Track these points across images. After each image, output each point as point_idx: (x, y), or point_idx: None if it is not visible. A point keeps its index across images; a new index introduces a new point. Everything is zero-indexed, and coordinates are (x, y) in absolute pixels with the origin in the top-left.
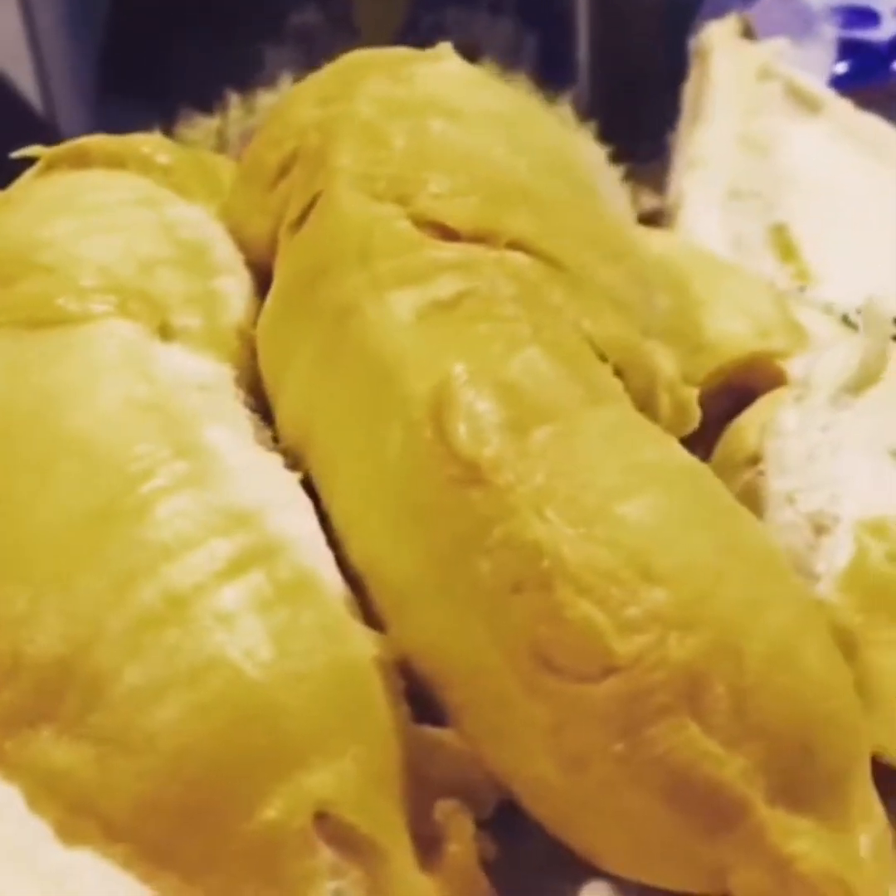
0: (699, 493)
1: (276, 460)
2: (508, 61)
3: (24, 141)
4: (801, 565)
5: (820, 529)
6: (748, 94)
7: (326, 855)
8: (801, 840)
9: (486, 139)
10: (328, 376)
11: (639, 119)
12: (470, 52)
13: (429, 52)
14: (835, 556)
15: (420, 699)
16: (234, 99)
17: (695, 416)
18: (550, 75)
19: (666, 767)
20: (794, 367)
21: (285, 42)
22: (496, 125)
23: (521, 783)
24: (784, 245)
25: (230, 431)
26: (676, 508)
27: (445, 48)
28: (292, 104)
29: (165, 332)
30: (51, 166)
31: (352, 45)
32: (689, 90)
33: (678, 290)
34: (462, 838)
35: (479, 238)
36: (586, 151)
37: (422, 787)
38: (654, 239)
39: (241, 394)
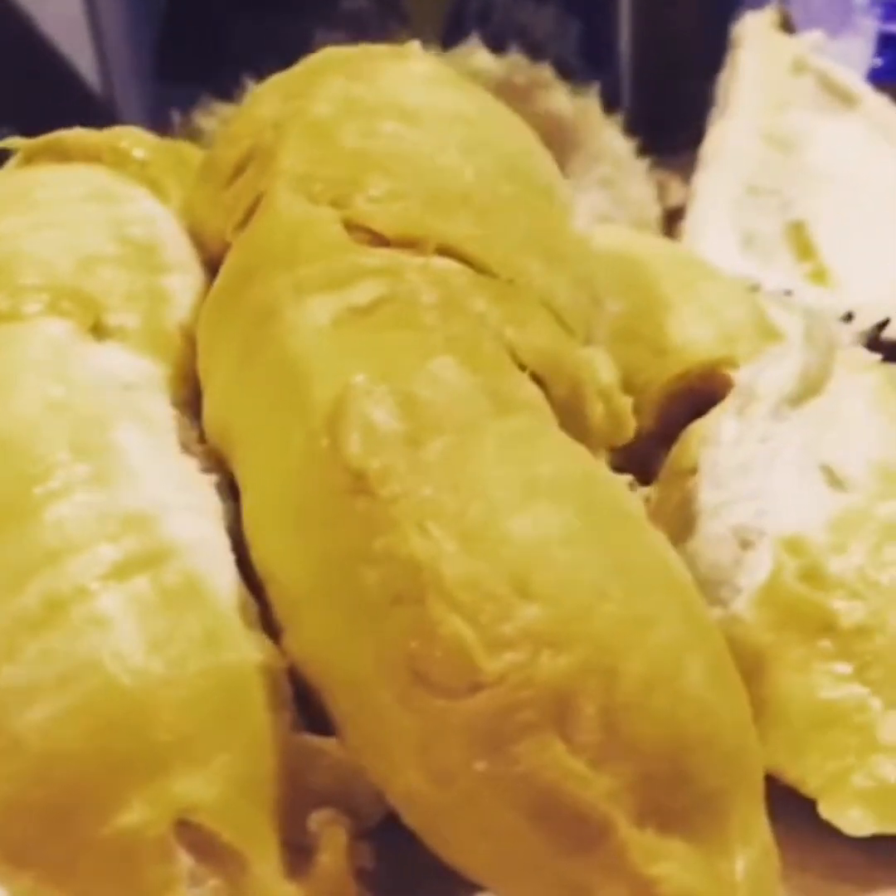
0: (592, 508)
1: (190, 463)
2: (552, 47)
3: (83, 123)
4: (725, 579)
5: (745, 544)
6: (778, 87)
7: (185, 862)
8: (665, 862)
9: (437, 142)
10: (246, 378)
11: (678, 108)
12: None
13: (397, 49)
14: (755, 571)
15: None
16: (250, 85)
17: (629, 426)
18: (592, 62)
19: (529, 785)
20: (740, 377)
21: (337, 27)
22: (452, 127)
23: (394, 794)
24: (801, 243)
25: (143, 432)
26: (564, 524)
27: (413, 47)
28: (254, 101)
29: (99, 331)
30: (30, 159)
31: (401, 30)
32: (721, 81)
33: (644, 293)
34: (334, 848)
35: (407, 243)
36: (545, 157)
37: (298, 796)
38: (627, 241)
39: (181, 392)
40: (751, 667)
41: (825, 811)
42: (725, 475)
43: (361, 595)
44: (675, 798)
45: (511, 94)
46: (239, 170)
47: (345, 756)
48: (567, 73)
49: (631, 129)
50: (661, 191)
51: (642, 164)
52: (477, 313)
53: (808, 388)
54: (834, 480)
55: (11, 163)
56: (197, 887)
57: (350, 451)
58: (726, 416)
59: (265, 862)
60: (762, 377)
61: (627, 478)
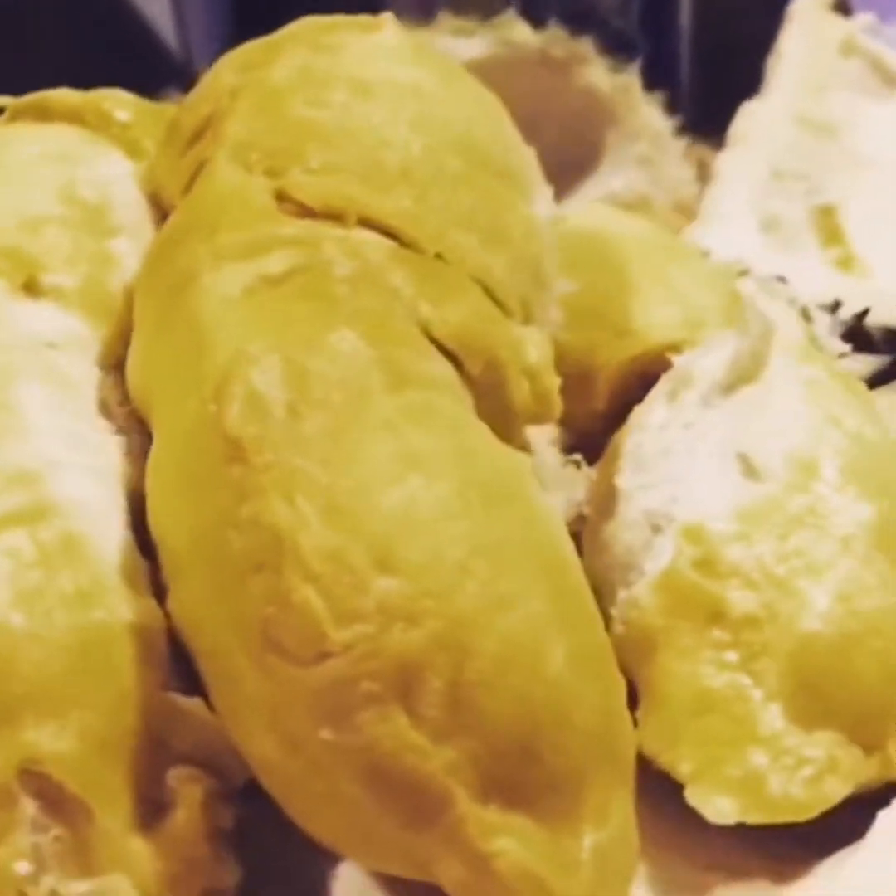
0: (472, 486)
1: (102, 424)
2: (615, 22)
3: (161, 81)
4: (635, 563)
5: (656, 528)
6: (820, 69)
7: (28, 809)
8: (505, 838)
9: (387, 115)
10: (161, 342)
11: (736, 84)
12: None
13: (367, 20)
14: (659, 557)
15: None
16: None
17: (555, 406)
18: (653, 36)
19: (369, 756)
20: (676, 362)
21: None
22: (406, 101)
23: (251, 759)
24: (829, 229)
25: (51, 391)
26: (437, 500)
27: (386, 17)
28: (219, 69)
29: (32, 290)
30: (15, 117)
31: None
32: (771, 60)
33: (612, 274)
34: (189, 805)
35: (330, 215)
36: (510, 137)
37: (160, 754)
38: (604, 221)
39: (121, 353)
40: (643, 651)
41: (691, 797)
42: (646, 459)
43: (227, 560)
44: (523, 775)
45: (548, 67)
46: (196, 136)
47: (210, 718)
48: (612, 48)
49: (688, 104)
50: (702, 170)
51: (681, 143)
52: (391, 287)
53: (741, 376)
54: (749, 470)
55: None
56: (38, 835)
57: (230, 418)
58: (656, 401)
59: (113, 815)
60: (698, 363)
61: (575, 458)
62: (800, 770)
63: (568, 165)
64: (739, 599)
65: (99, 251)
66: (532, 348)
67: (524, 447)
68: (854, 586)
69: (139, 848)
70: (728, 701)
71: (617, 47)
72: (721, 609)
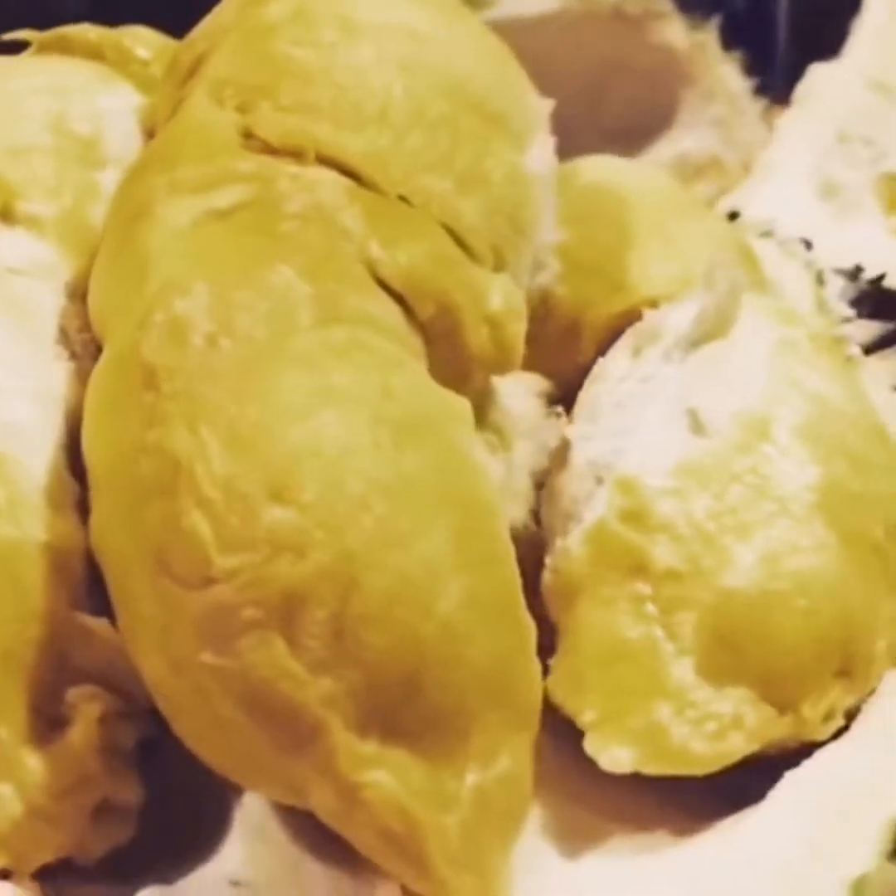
0: (383, 423)
1: (57, 351)
2: None
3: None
4: (576, 513)
5: (599, 480)
6: None
7: None
8: (377, 770)
9: (374, 56)
10: (115, 270)
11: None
12: None
13: None
14: (596, 508)
15: None
16: None
17: (514, 355)
18: None
19: (248, 681)
20: (647, 317)
21: None
22: (397, 43)
23: (146, 680)
24: (893, 197)
25: (6, 318)
26: (344, 435)
27: None
28: (222, 6)
29: (8, 217)
30: (40, 51)
31: None
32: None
33: (614, 228)
34: (86, 722)
35: (290, 152)
36: (510, 85)
37: (61, 670)
38: (614, 173)
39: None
40: (566, 599)
41: (588, 745)
42: (600, 411)
43: (133, 484)
44: (404, 711)
45: (622, 22)
46: (191, 73)
47: (115, 638)
48: (698, 3)
49: (781, 65)
50: None
51: (758, 105)
52: (342, 226)
53: (707, 333)
54: (697, 426)
55: (25, 54)
56: None
57: (148, 345)
58: (619, 353)
59: (7, 726)
60: (665, 319)
61: (557, 409)
62: (704, 724)
63: (639, 123)
64: (663, 553)
65: (84, 182)
66: (496, 295)
67: (483, 393)
68: (785, 546)
69: (30, 759)
70: (639, 652)
71: (705, 3)
72: (644, 562)
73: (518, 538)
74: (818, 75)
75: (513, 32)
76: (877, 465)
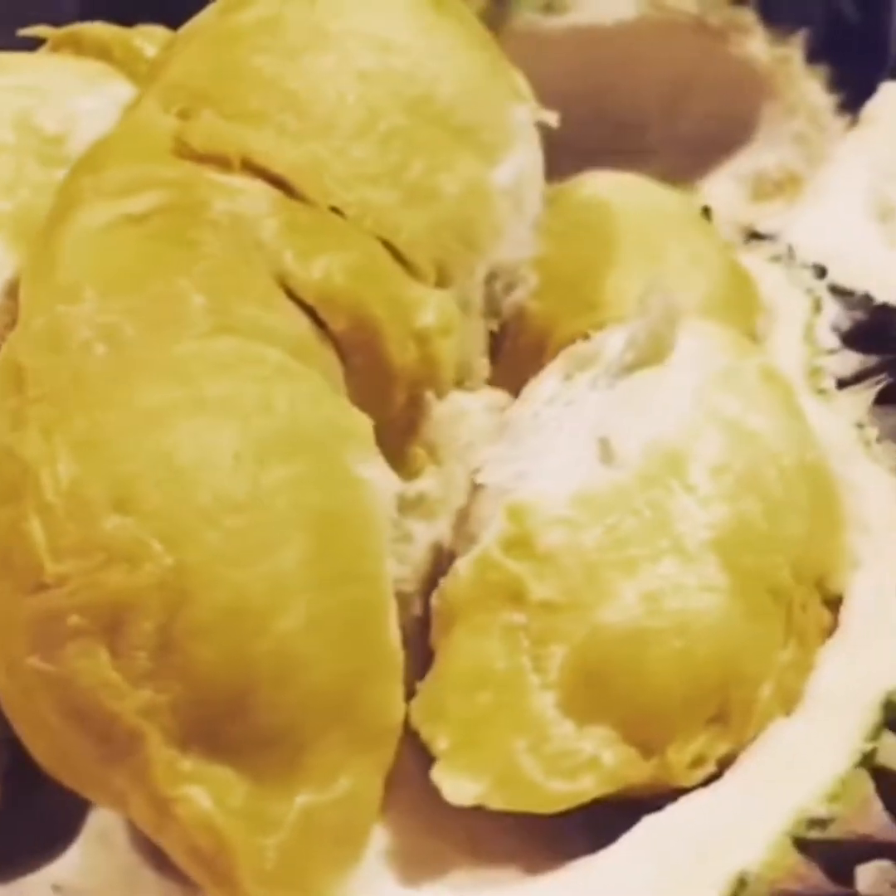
0: (252, 438)
1: None
2: None
3: None
4: (477, 535)
5: (501, 503)
6: None
7: None
8: (193, 786)
9: (334, 66)
10: (31, 270)
11: None
12: None
13: None
14: (492, 531)
15: None
16: None
17: (442, 372)
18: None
19: (70, 688)
20: (591, 341)
21: None
22: (365, 53)
23: None
24: None
25: None
26: (204, 448)
27: None
28: (206, 10)
29: None
30: (55, 48)
31: None
32: None
33: (597, 246)
34: None
35: (216, 160)
36: (488, 100)
37: None
38: (616, 189)
39: None
40: (445, 624)
41: (435, 773)
42: (518, 433)
43: None
44: (231, 728)
45: (703, 34)
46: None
47: None
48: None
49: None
50: None
51: (841, 122)
52: (257, 237)
53: (639, 360)
54: (606, 454)
55: (41, 51)
56: None
57: (24, 349)
58: (552, 376)
59: None
60: (601, 343)
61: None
62: (559, 762)
63: (718, 136)
64: (542, 584)
65: (45, 180)
66: (428, 312)
67: (418, 407)
68: (669, 585)
69: None
70: (503, 683)
71: (790, 17)
72: (521, 591)
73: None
74: (888, 93)
75: (589, 40)
76: (796, 507)
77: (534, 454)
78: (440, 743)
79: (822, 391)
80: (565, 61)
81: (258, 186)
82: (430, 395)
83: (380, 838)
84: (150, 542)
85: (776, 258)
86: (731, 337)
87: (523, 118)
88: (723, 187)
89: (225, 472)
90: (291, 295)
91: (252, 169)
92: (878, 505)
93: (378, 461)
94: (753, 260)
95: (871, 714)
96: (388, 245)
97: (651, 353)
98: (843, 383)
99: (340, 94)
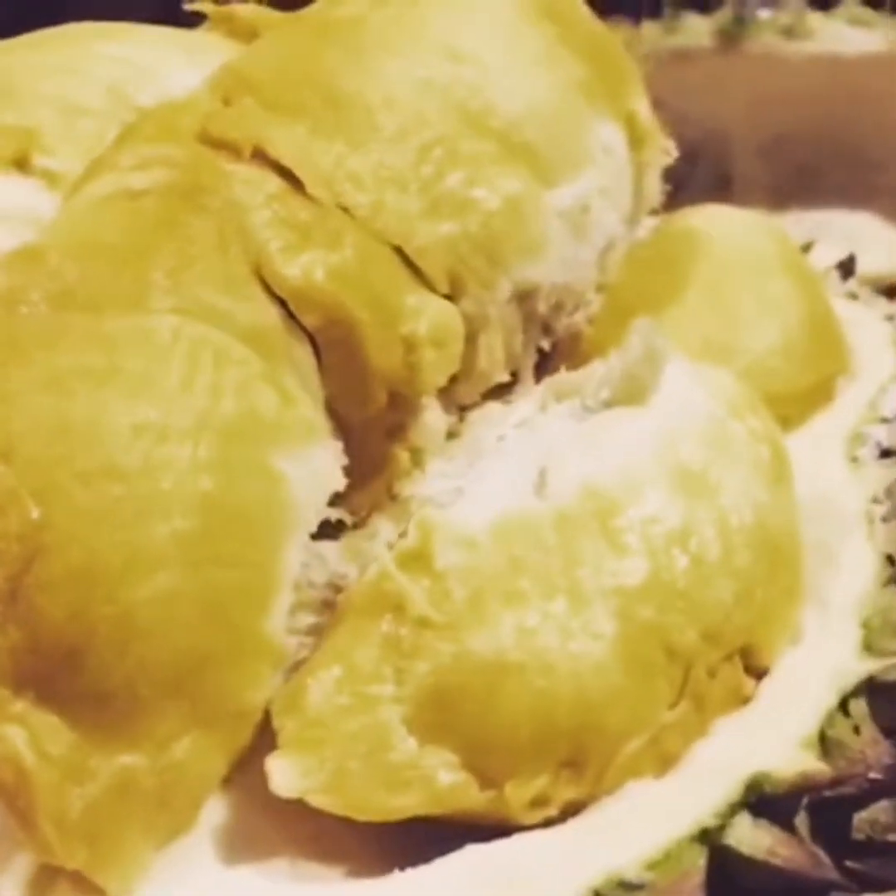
0: (156, 412)
1: None
2: None
3: None
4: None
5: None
6: None
7: None
8: (14, 727)
9: (397, 70)
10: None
11: None
12: None
13: None
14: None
15: None
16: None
17: (426, 380)
18: None
19: None
20: (575, 373)
21: None
22: (431, 61)
23: None
24: None
25: None
26: (102, 415)
27: None
28: (317, 2)
29: (22, 166)
30: (214, 26)
31: None
32: None
33: (669, 282)
34: None
35: (229, 147)
36: (574, 122)
37: None
38: (719, 224)
39: None
40: (336, 620)
41: (268, 762)
42: (474, 450)
43: None
44: (65, 681)
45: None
46: None
47: None
48: None
49: None
50: None
51: None
52: (245, 225)
53: (616, 397)
54: (541, 486)
55: (202, 28)
56: None
57: None
58: (529, 402)
59: None
60: (587, 378)
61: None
62: (392, 774)
63: None
64: (423, 601)
65: None
66: (423, 321)
67: (396, 409)
68: (550, 624)
69: None
70: (359, 688)
71: None
72: (403, 604)
73: None
74: None
75: (831, 69)
76: (729, 571)
77: (478, 474)
78: (283, 734)
79: (854, 459)
80: (804, 89)
81: (263, 177)
82: (426, 400)
83: (217, 816)
84: (22, 494)
85: (890, 317)
86: (737, 392)
87: (609, 142)
88: None
89: (117, 442)
90: (266, 287)
91: (264, 160)
92: (849, 583)
93: (311, 458)
94: (867, 314)
95: (731, 791)
96: (398, 250)
97: (627, 392)
98: (886, 453)
99: (391, 98)
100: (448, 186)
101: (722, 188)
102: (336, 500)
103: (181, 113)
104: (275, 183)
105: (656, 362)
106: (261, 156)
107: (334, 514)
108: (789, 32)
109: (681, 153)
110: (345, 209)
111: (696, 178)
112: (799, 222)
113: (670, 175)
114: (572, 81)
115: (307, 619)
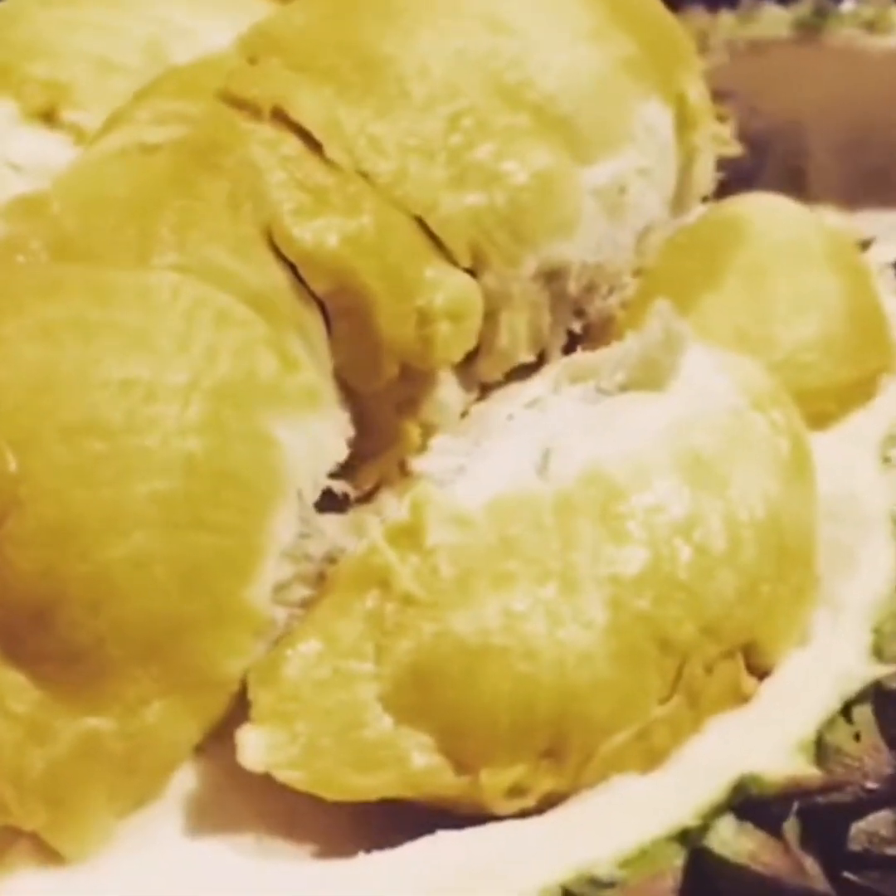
0: (148, 368)
1: None
2: None
3: None
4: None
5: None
6: None
7: None
8: None
9: (436, 38)
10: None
11: None
12: None
13: None
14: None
15: None
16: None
17: (438, 353)
18: None
19: None
20: (592, 355)
21: None
22: (474, 31)
23: None
24: None
25: None
26: (90, 369)
27: None
28: None
29: (50, 119)
30: None
31: None
32: None
33: (709, 269)
34: None
35: (249, 107)
36: (619, 101)
37: None
38: (760, 212)
39: None
40: (323, 592)
41: (239, 734)
42: (482, 428)
43: None
44: (34, 638)
45: None
46: None
47: None
48: None
49: None
50: None
51: None
52: (257, 187)
53: (632, 381)
54: (543, 466)
55: None
56: None
57: None
58: (543, 382)
59: None
60: (603, 360)
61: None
62: (364, 753)
63: None
64: (409, 577)
65: None
66: (440, 293)
67: (408, 382)
68: (539, 609)
69: None
70: (338, 663)
71: None
72: (388, 579)
73: None
74: None
75: None
76: (734, 565)
77: (482, 452)
78: (259, 705)
79: (887, 459)
80: (884, 84)
81: (281, 138)
82: (442, 376)
83: (187, 785)
84: (1, 445)
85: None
86: (763, 383)
87: (653, 122)
88: None
89: (103, 397)
90: (276, 250)
91: (284, 121)
92: (865, 586)
93: (310, 425)
94: None
95: (717, 792)
96: (419, 220)
97: (645, 377)
98: None
99: (425, 66)
100: (476, 158)
101: (795, 183)
102: (342, 472)
103: (205, 70)
104: (293, 144)
105: (676, 347)
106: (281, 116)
107: (337, 485)
108: (872, 26)
109: (749, 146)
110: (365, 175)
111: (767, 171)
112: (873, 222)
113: (738, 167)
114: (619, 58)
115: (301, 592)
